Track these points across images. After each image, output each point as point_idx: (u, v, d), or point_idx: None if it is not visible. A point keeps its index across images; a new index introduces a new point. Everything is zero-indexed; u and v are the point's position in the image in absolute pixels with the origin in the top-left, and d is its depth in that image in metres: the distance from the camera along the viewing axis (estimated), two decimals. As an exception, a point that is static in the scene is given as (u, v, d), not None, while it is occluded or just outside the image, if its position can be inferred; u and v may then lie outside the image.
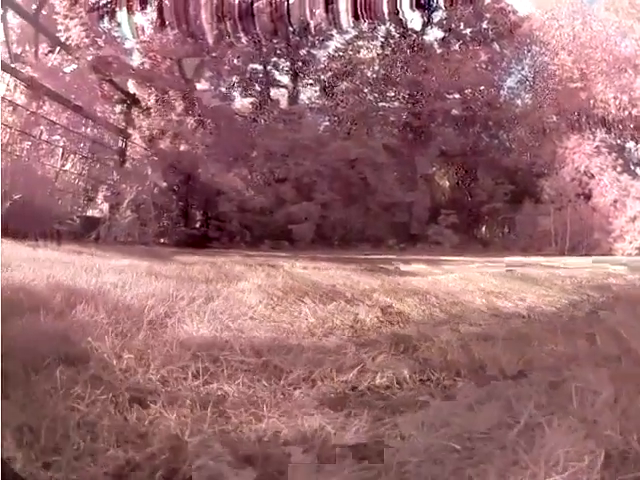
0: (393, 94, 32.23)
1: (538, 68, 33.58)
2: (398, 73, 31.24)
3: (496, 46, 32.90)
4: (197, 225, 24.32)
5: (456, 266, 15.04)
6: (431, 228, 28.22)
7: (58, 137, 19.82)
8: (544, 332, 5.64)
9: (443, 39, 32.25)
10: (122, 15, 23.68)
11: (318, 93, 31.86)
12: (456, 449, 2.57)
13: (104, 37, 21.93)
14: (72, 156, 19.34)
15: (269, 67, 31.18)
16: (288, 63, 31.37)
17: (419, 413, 3.16)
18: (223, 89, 29.93)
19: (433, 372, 4.03)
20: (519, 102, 34.43)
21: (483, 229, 33.26)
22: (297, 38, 30.70)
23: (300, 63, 31.34)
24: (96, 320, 4.92)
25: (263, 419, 2.94)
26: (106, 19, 23.46)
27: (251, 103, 30.37)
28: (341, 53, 31.94)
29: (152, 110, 20.43)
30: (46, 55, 21.27)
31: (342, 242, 26.57)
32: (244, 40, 28.92)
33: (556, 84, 31.41)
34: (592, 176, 29.96)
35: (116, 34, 22.97)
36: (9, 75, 18.50)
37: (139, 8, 23.39)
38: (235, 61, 29.90)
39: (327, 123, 31.52)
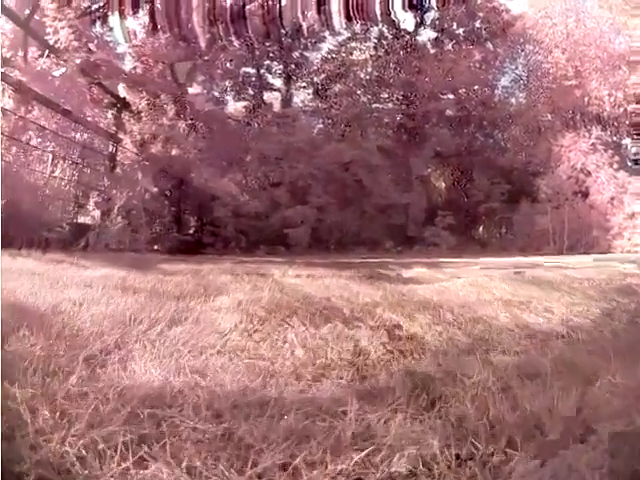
0: (387, 95, 31.70)
1: (532, 67, 33.16)
2: (391, 74, 30.71)
3: (490, 45, 32.36)
4: (190, 231, 23.67)
5: (457, 269, 14.23)
6: (428, 230, 27.56)
7: (47, 142, 19.25)
8: (594, 357, 4.63)
9: (436, 39, 31.70)
10: (114, 19, 23.33)
11: (311, 96, 31.24)
12: None
13: (96, 42, 21.29)
14: (62, 162, 18.59)
15: (262, 70, 30.57)
16: (281, 66, 30.75)
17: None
18: (216, 93, 29.42)
19: (474, 442, 2.82)
20: (513, 101, 33.95)
21: (480, 230, 32.66)
22: (289, 40, 30.14)
23: (293, 66, 30.74)
24: (32, 351, 3.87)
25: None
26: (98, 24, 23.10)
27: (244, 107, 29.77)
28: (334, 55, 31.30)
29: (143, 114, 19.75)
30: (36, 59, 20.72)
31: (338, 246, 25.84)
32: (236, 43, 28.40)
33: (550, 82, 30.94)
34: (589, 173, 29.35)
35: (108, 38, 22.24)
36: (-3, 79, 17.71)
37: (131, 12, 22.66)
38: (228, 65, 29.32)
39: (321, 126, 30.99)
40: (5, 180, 16.18)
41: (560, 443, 2.72)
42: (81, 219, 18.72)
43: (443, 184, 33.80)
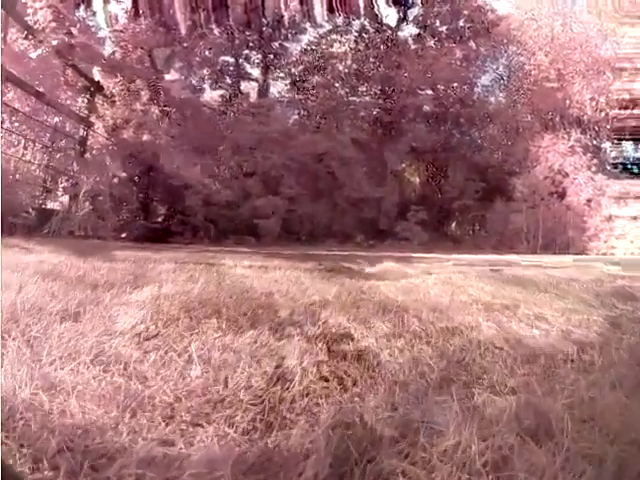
0: (365, 89, 31.75)
1: (514, 67, 33.42)
2: (371, 68, 30.79)
3: (472, 44, 32.46)
4: (159, 219, 23.52)
5: (429, 264, 13.55)
6: (400, 224, 27.62)
7: (19, 125, 19.22)
8: (624, 398, 3.31)
9: (418, 35, 31.76)
10: (98, 3, 23.74)
11: (288, 87, 31.37)
12: None
13: (79, 25, 21.19)
14: (32, 145, 18.67)
15: (241, 60, 30.56)
16: (260, 56, 30.80)
17: None
18: (193, 81, 29.39)
19: None
20: (493, 100, 34.18)
21: (453, 226, 32.84)
22: (270, 30, 30.15)
23: (272, 56, 30.78)
24: None
25: None
26: (82, 7, 23.25)
27: (221, 95, 29.86)
28: (314, 47, 31.39)
29: (117, 99, 19.84)
30: (14, 41, 20.74)
31: (309, 237, 25.84)
32: (217, 32, 28.47)
33: (531, 84, 31.06)
34: (566, 175, 29.57)
35: (90, 22, 22.26)
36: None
37: (114, -4, 23.06)
38: (207, 52, 29.26)
39: (296, 117, 31.10)
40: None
41: None
42: (50, 204, 18.75)
43: (417, 179, 34.12)
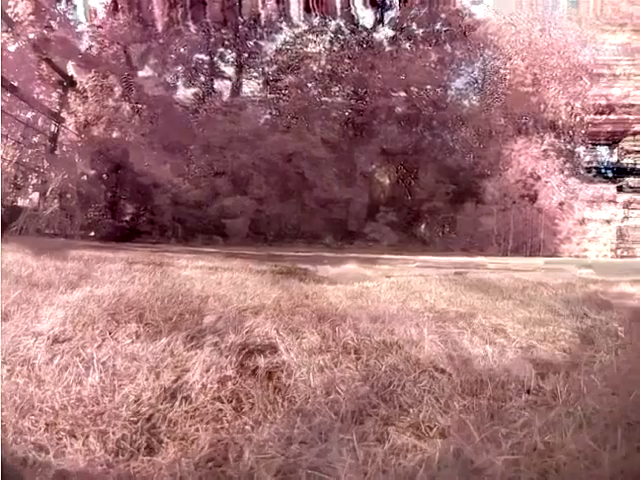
0: (337, 89, 31.73)
1: (489, 71, 33.49)
2: (344, 69, 30.77)
3: (448, 47, 32.52)
4: (127, 218, 23.24)
5: (392, 267, 13.24)
6: (369, 225, 27.60)
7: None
8: (592, 445, 2.64)
9: (394, 37, 31.70)
10: None
11: (261, 86, 31.25)
12: None
13: (58, 19, 20.95)
14: (5, 140, 18.48)
15: (215, 58, 30.40)
16: (234, 54, 30.68)
17: None
18: (167, 78, 29.11)
19: None
20: (466, 103, 34.24)
21: (423, 228, 32.68)
22: (246, 29, 30.10)
23: (246, 55, 30.72)
24: None
25: None
26: (63, 1, 22.84)
27: (194, 94, 29.67)
28: (288, 47, 31.30)
29: (89, 95, 19.79)
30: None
31: (277, 238, 25.77)
32: (193, 29, 28.31)
33: (506, 88, 31.13)
34: (538, 178, 29.73)
35: (70, 16, 22.02)
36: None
37: (94, -10, 22.47)
38: (182, 50, 29.15)
39: (268, 116, 30.82)
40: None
41: None
42: (21, 202, 18.41)
43: (387, 181, 33.95)
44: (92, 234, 18.97)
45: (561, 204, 29.09)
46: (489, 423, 2.80)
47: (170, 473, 2.36)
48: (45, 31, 19.36)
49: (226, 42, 30.29)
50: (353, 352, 3.77)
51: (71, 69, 19.49)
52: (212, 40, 29.75)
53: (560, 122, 30.72)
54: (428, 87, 30.95)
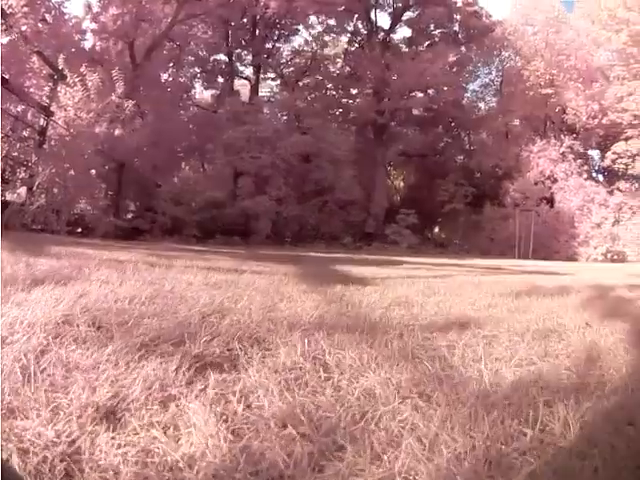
0: (356, 91, 30.17)
1: (507, 72, 31.76)
2: (363, 70, 28.74)
3: (464, 49, 30.86)
4: (129, 216, 21.24)
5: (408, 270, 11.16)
6: (389, 227, 25.76)
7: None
8: None
9: (411, 38, 30.09)
10: None
11: (280, 87, 29.89)
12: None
13: (53, 12, 19.36)
14: None
15: (233, 58, 28.83)
16: (251, 55, 28.93)
17: None
18: (180, 79, 27.63)
19: None
20: (483, 105, 33.12)
21: (439, 230, 31.24)
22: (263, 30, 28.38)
23: (265, 56, 28.86)
24: None
25: None
26: None
27: (212, 95, 28.00)
28: (306, 48, 29.75)
29: (92, 91, 17.43)
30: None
31: (295, 239, 24.07)
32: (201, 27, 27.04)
33: (524, 89, 29.00)
34: (556, 180, 27.98)
35: (65, 10, 20.27)
36: None
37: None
38: (194, 47, 27.78)
39: (286, 117, 29.19)
40: None
41: None
42: (9, 196, 16.59)
43: (406, 183, 32.57)
44: (79, 230, 17.02)
45: (579, 207, 27.06)
46: (485, 474, 1.66)
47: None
48: (40, 24, 17.69)
49: (243, 43, 28.66)
50: (322, 370, 2.39)
51: (62, 63, 17.08)
52: (229, 40, 28.14)
53: (579, 124, 28.69)
54: (446, 88, 28.78)
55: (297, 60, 29.75)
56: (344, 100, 30.12)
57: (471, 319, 3.74)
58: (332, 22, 29.01)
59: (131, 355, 2.38)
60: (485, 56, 32.12)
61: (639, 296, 6.38)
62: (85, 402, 2.02)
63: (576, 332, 3.69)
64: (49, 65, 17.15)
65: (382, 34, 29.58)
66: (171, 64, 26.33)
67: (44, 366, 2.37)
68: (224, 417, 1.97)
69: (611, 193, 27.00)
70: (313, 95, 29.47)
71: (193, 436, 1.83)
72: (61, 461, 1.72)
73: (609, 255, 24.72)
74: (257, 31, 27.92)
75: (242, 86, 29.43)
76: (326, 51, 30.17)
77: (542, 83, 28.47)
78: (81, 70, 17.17)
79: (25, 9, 16.86)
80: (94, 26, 21.95)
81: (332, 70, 30.26)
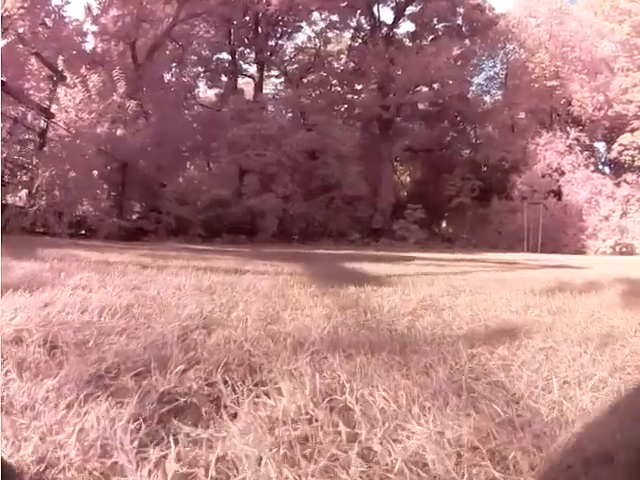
0: (361, 86, 29.24)
1: (511, 65, 30.91)
2: (367, 65, 28.04)
3: (468, 42, 29.90)
4: (133, 217, 20.51)
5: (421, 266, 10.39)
6: (397, 223, 25.01)
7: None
8: None
9: (415, 32, 29.29)
10: None
11: (284, 84, 29.18)
12: None
13: (53, 16, 18.93)
14: None
15: (236, 56, 28.12)
16: (254, 53, 28.26)
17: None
18: (184, 78, 26.97)
19: None
20: (489, 98, 32.34)
21: (446, 224, 30.51)
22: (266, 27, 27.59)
23: (268, 53, 28.22)
24: None
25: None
26: None
27: (216, 93, 27.44)
28: (309, 45, 29.18)
29: (93, 92, 16.83)
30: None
31: (302, 237, 23.33)
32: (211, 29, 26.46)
33: (529, 82, 28.24)
34: (563, 173, 27.18)
35: (64, 13, 19.80)
36: None
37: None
38: (196, 47, 27.06)
39: (291, 114, 28.58)
40: None
41: None
42: (11, 199, 16.01)
43: (413, 178, 31.95)
44: (82, 232, 16.21)
45: (587, 200, 26.24)
46: None
47: None
48: (40, 28, 17.62)
49: (246, 41, 27.98)
50: (343, 422, 1.48)
51: (61, 64, 16.55)
52: (232, 39, 27.50)
53: (585, 116, 27.91)
54: (451, 82, 27.94)
55: (301, 57, 29.15)
56: (349, 96, 29.43)
57: (516, 326, 3.05)
58: (335, 18, 28.28)
59: (77, 392, 1.66)
60: (489, 49, 31.30)
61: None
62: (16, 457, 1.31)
63: (634, 336, 2.99)
64: (48, 66, 16.65)
65: (385, 29, 28.81)
66: (174, 64, 25.72)
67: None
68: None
69: (618, 185, 26.17)
70: (317, 92, 28.85)
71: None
72: None
73: (617, 248, 23.92)
74: (260, 29, 27.22)
75: (246, 84, 28.82)
76: (329, 47, 29.57)
77: (547, 75, 27.73)
78: (81, 71, 16.66)
79: (21, 11, 16.44)
80: (95, 28, 21.45)
81: (336, 66, 29.56)
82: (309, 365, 1.90)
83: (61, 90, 16.41)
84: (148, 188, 19.78)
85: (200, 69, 27.97)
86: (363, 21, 28.89)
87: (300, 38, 29.04)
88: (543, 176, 26.76)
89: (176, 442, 1.35)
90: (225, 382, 1.77)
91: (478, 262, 12.03)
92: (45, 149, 15.20)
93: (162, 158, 20.31)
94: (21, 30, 16.85)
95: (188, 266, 5.79)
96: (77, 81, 16.15)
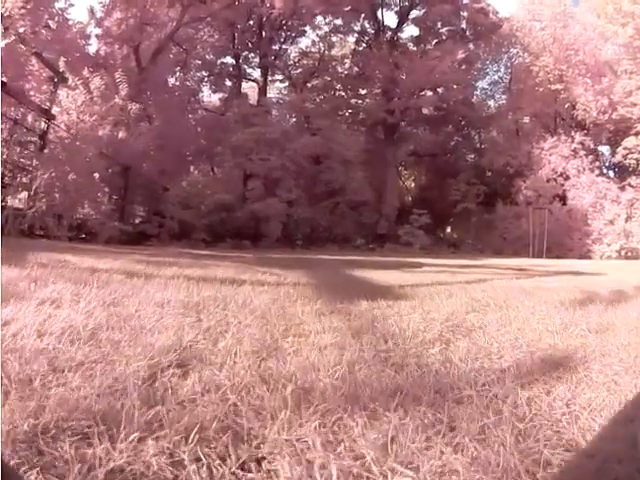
0: (365, 91, 28.82)
1: (515, 69, 30.39)
2: (371, 69, 27.38)
3: (472, 46, 29.35)
4: (136, 221, 19.81)
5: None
6: (402, 228, 24.42)
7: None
8: None
9: (419, 37, 28.73)
10: None
11: (288, 88, 28.69)
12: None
13: (57, 18, 18.43)
14: None
15: (240, 61, 27.60)
16: (257, 58, 27.84)
17: None
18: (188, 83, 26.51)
19: None
20: (493, 103, 31.77)
21: (451, 230, 29.78)
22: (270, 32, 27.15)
23: (272, 58, 27.74)
24: None
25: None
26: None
27: (220, 98, 27.17)
28: (313, 49, 28.60)
29: (94, 94, 16.38)
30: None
31: (307, 242, 22.77)
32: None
33: (534, 86, 27.55)
34: (568, 178, 26.48)
35: (68, 16, 19.32)
36: None
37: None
38: (200, 51, 26.54)
39: (295, 119, 27.99)
40: None
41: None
42: (10, 201, 15.55)
43: (418, 183, 31.36)
44: (83, 236, 15.62)
45: (592, 204, 25.56)
46: None
47: None
48: (43, 31, 16.86)
49: (250, 45, 27.49)
50: None
51: (62, 65, 16.25)
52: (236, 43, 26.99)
53: (590, 120, 27.04)
54: (455, 86, 27.52)
55: (305, 61, 28.69)
56: (353, 101, 28.97)
57: (564, 353, 2.49)
58: (339, 22, 27.88)
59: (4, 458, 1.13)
60: (493, 53, 30.89)
61: None
62: None
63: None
64: (49, 67, 16.15)
65: (389, 33, 28.35)
66: (178, 68, 25.24)
67: None
68: None
69: (622, 189, 25.54)
70: (322, 96, 28.41)
71: None
72: None
73: (623, 252, 23.30)
74: (263, 33, 26.82)
75: (250, 89, 28.41)
76: (334, 52, 29.11)
77: (551, 79, 27.18)
78: (84, 73, 16.19)
79: (22, 11, 15.98)
80: (98, 31, 20.93)
81: (340, 71, 29.10)
82: (318, 433, 1.33)
83: (63, 92, 15.95)
84: (151, 192, 19.29)
85: (204, 73, 27.52)
86: (367, 25, 28.48)
87: (304, 42, 28.66)
88: (548, 181, 26.18)
89: None
90: (198, 460, 1.21)
91: (489, 268, 11.46)
92: (45, 151, 14.72)
93: (165, 162, 19.89)
94: (22, 30, 16.35)
95: (181, 275, 5.18)
96: (79, 83, 15.72)
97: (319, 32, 28.12)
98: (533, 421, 1.53)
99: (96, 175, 16.05)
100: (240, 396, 1.60)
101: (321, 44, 28.43)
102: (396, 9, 28.17)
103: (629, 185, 25.37)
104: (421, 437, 1.32)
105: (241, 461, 1.22)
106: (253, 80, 28.44)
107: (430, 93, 27.82)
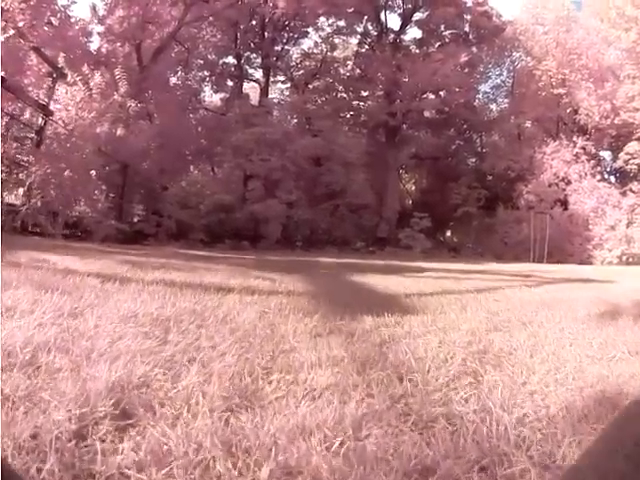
0: (367, 93, 28.24)
1: (518, 73, 29.97)
2: (374, 72, 26.91)
3: (475, 49, 28.96)
4: (134, 220, 19.50)
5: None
6: (403, 232, 23.93)
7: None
8: None
9: (422, 39, 28.32)
10: None
11: (290, 89, 28.13)
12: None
13: (59, 15, 18.00)
14: None
15: (242, 61, 27.11)
16: (259, 59, 27.35)
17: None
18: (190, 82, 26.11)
19: None
20: (495, 107, 31.33)
21: (451, 234, 29.37)
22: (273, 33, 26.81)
23: (274, 58, 27.26)
24: None
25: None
26: None
27: (222, 98, 26.73)
28: (316, 50, 28.01)
29: (94, 91, 15.90)
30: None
31: (306, 244, 22.22)
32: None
33: (536, 90, 27.24)
34: (569, 182, 25.99)
35: (71, 13, 18.91)
36: None
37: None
38: (202, 50, 26.13)
39: (296, 120, 27.55)
40: None
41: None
42: (7, 197, 15.20)
43: (419, 186, 30.83)
44: (79, 234, 15.23)
45: (594, 209, 25.09)
46: None
47: None
48: (46, 27, 16.58)
49: (252, 46, 27.06)
50: None
51: (61, 61, 16.28)
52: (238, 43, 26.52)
53: (592, 124, 26.67)
54: (457, 90, 26.75)
55: (307, 63, 28.21)
56: (355, 102, 28.48)
57: (616, 389, 1.99)
58: (342, 24, 27.34)
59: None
60: (496, 56, 30.42)
61: None
62: None
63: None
64: (48, 63, 15.78)
65: (392, 35, 27.88)
66: (179, 67, 24.87)
67: None
68: None
69: (624, 195, 25.06)
70: (323, 98, 27.96)
71: None
72: None
73: (624, 258, 22.86)
74: (266, 34, 26.41)
75: (251, 89, 28.04)
76: (336, 53, 28.63)
77: (554, 83, 26.83)
78: (83, 70, 15.73)
79: (22, 5, 15.55)
80: (101, 28, 20.66)
81: (342, 72, 28.60)
82: None
83: (62, 88, 15.52)
84: (149, 191, 18.94)
85: (206, 73, 27.04)
86: (370, 27, 28.03)
87: (306, 44, 28.22)
88: (549, 185, 25.73)
89: None
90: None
91: (493, 274, 10.98)
92: (42, 147, 14.29)
93: (165, 161, 19.52)
94: (21, 24, 15.93)
95: (162, 281, 4.65)
96: (78, 79, 15.27)
97: (322, 33, 27.75)
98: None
99: (93, 172, 15.61)
100: (191, 478, 1.06)
101: (323, 45, 27.97)
102: (399, 11, 27.79)
103: (630, 190, 24.90)
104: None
105: None
106: (255, 81, 28.06)
107: (432, 96, 27.28)
